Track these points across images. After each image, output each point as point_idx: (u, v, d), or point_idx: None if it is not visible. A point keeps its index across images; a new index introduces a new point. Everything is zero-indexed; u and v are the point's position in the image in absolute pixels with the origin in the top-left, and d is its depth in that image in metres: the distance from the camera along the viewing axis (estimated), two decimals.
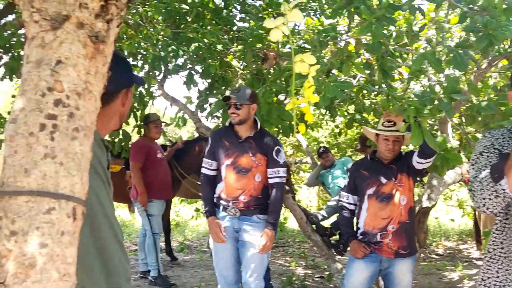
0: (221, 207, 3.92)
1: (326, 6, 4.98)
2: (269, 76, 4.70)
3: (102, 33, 1.16)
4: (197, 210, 10.40)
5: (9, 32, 4.80)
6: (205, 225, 10.32)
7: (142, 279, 6.24)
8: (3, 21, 4.99)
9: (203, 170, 4.04)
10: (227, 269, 4.01)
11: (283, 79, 4.79)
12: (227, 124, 4.06)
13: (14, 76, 5.17)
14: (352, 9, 3.44)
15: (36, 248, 1.03)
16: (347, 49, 4.05)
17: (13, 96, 5.84)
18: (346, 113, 6.12)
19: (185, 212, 11.68)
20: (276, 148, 3.89)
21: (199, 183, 7.07)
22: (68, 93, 1.10)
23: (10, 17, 5.40)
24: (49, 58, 1.10)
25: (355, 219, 4.08)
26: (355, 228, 4.06)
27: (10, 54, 5.10)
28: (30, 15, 1.13)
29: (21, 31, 5.42)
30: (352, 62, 4.16)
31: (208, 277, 6.35)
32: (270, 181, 3.89)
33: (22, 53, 4.91)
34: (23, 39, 4.75)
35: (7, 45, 4.82)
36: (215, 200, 3.97)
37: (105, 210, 1.54)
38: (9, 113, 6.22)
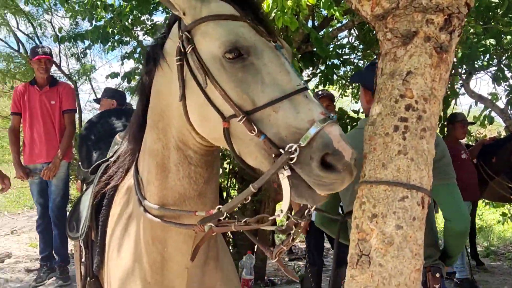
0: None
1: None
2: None
3: (446, 44, 1.30)
4: (503, 214, 9.63)
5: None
6: None
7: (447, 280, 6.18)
8: (320, 33, 5.63)
9: None
10: None
11: None
12: None
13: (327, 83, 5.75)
14: None
15: (393, 229, 1.24)
16: None
17: None
18: None
19: (490, 216, 10.95)
20: None
21: (510, 185, 6.61)
22: (417, 99, 1.28)
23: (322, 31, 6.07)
24: (401, 69, 1.30)
25: None
26: None
27: (325, 64, 5.71)
28: (383, 35, 1.35)
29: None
30: None
31: None
32: None
33: (335, 61, 5.47)
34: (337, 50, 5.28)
35: (323, 56, 5.41)
36: None
37: None
38: None
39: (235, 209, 1.49)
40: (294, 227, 1.39)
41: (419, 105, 1.28)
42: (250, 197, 1.40)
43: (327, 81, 5.79)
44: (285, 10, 3.39)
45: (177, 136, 1.57)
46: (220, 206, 1.50)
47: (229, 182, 6.20)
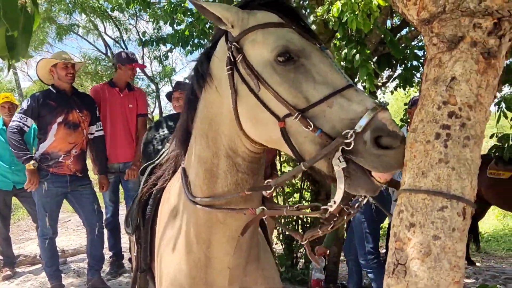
0: None
1: None
2: None
3: (494, 49, 1.24)
4: None
5: (403, 45, 5.24)
6: None
7: None
8: (398, 35, 5.48)
9: None
10: None
11: None
12: None
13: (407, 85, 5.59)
14: None
15: (430, 239, 1.20)
16: None
17: (405, 104, 6.32)
18: None
19: None
20: None
21: None
22: (461, 106, 1.23)
23: (404, 31, 5.91)
24: (445, 75, 1.26)
25: None
26: None
27: (403, 66, 5.56)
28: (429, 39, 1.32)
29: (413, 43, 5.83)
30: None
31: None
32: None
33: (414, 63, 5.31)
34: (416, 51, 5.12)
35: (401, 58, 5.26)
36: None
37: None
38: (401, 120, 6.77)
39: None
40: (338, 215, 1.44)
41: (463, 112, 1.23)
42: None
43: (407, 83, 5.63)
44: (356, 13, 3.36)
45: (227, 144, 1.65)
46: (270, 180, 1.57)
47: (303, 184, 6.23)
